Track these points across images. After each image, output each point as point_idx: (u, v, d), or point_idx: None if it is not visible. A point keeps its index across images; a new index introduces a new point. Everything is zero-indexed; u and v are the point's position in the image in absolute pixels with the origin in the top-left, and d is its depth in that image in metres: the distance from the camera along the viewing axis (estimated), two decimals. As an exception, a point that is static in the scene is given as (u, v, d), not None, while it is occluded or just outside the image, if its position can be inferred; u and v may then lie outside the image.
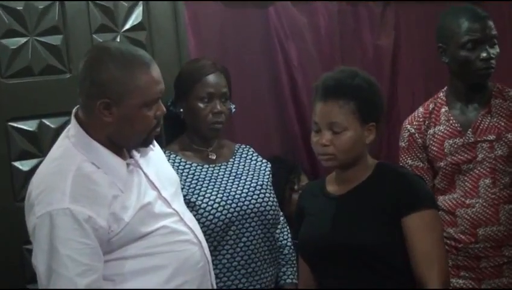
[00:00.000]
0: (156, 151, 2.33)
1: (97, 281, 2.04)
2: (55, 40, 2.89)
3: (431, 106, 2.91)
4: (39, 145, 2.85)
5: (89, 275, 2.02)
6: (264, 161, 2.87)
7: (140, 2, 3.03)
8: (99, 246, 2.05)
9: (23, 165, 2.83)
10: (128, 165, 2.17)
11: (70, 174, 2.05)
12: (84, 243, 2.02)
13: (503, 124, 2.80)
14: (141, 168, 2.21)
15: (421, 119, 2.90)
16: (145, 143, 2.21)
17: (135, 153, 2.22)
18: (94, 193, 2.06)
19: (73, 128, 2.15)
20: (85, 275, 2.01)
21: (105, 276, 2.08)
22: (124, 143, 2.17)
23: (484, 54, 2.73)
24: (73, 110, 2.18)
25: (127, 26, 3.01)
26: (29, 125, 2.85)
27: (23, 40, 2.83)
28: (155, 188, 2.21)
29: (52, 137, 2.79)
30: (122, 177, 2.13)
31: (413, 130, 2.90)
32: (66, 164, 2.08)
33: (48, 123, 2.87)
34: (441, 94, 2.92)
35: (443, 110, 2.88)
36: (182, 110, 2.76)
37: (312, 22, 3.41)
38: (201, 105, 2.71)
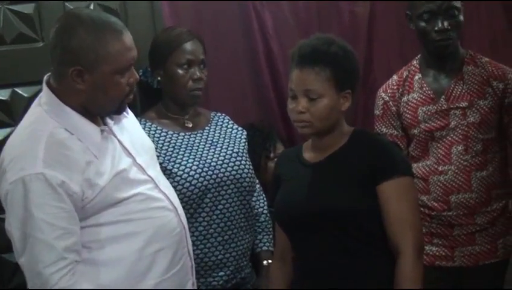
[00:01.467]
0: (129, 119, 2.32)
1: (76, 245, 2.04)
2: (27, 8, 2.87)
3: (405, 73, 2.92)
4: (11, 114, 2.85)
5: (67, 237, 2.02)
6: (239, 128, 2.87)
7: (114, -30, 3.01)
8: (75, 211, 2.05)
9: (-4, 134, 2.81)
10: (102, 131, 2.16)
11: (43, 140, 2.04)
12: (59, 207, 2.01)
13: (475, 90, 2.81)
14: (115, 135, 2.21)
15: (395, 87, 2.92)
16: (119, 110, 2.20)
17: (109, 121, 2.21)
18: (67, 158, 2.05)
19: (45, 95, 2.14)
20: (62, 238, 2.01)
21: (82, 243, 2.08)
22: (97, 110, 2.16)
23: (438, 26, 2.74)
24: (45, 78, 2.16)
25: None
26: (1, 94, 2.84)
27: None
28: (130, 155, 2.21)
29: (24, 106, 2.76)
30: (96, 143, 2.12)
31: (387, 98, 2.92)
32: (38, 129, 2.07)
33: (20, 92, 2.86)
34: (415, 62, 2.92)
35: (416, 77, 2.89)
36: (159, 78, 2.75)
37: (288, -13, 3.39)
38: (180, 72, 2.71)
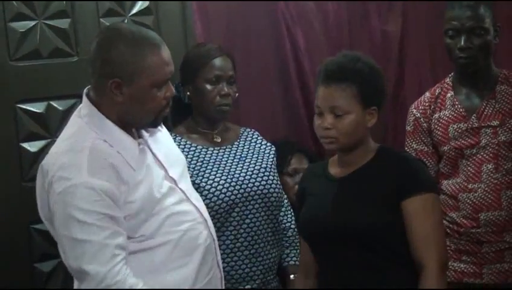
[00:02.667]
0: (163, 132, 2.37)
1: (124, 243, 2.09)
2: (63, 23, 2.92)
3: (437, 90, 2.93)
4: (47, 126, 2.89)
5: (116, 236, 2.07)
6: (268, 144, 2.90)
7: (148, -13, 3.06)
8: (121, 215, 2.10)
9: (31, 146, 2.87)
10: (139, 144, 2.20)
11: (86, 150, 2.09)
12: (105, 213, 2.06)
13: (507, 110, 2.80)
14: (150, 148, 2.25)
15: (426, 104, 2.92)
16: (155, 123, 2.24)
17: (144, 134, 2.26)
18: (110, 167, 2.10)
19: (85, 107, 2.19)
20: (113, 237, 2.06)
21: None
22: (134, 123, 2.20)
23: (460, 44, 2.75)
24: (85, 91, 2.21)
25: (134, 11, 3.05)
26: (37, 107, 2.88)
27: (31, 23, 2.86)
28: (163, 167, 2.24)
29: (59, 119, 2.84)
30: (134, 155, 2.17)
31: (418, 115, 2.92)
32: (80, 140, 2.12)
33: (55, 105, 2.90)
34: (448, 79, 2.93)
35: (449, 95, 2.89)
36: (188, 93, 2.79)
37: (320, 7, 3.41)
38: (209, 87, 2.75)
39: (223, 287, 2.36)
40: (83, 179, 2.05)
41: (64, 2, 2.90)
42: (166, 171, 2.24)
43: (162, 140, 2.34)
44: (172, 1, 3.11)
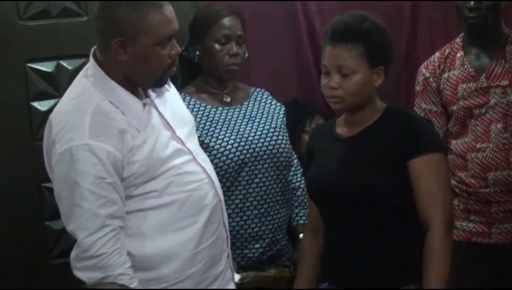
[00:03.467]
0: (171, 92, 2.37)
1: (119, 211, 2.12)
2: None
3: (447, 50, 2.93)
4: (57, 86, 2.91)
5: (109, 205, 2.09)
6: (278, 104, 2.90)
7: None
8: (119, 181, 2.13)
9: (41, 106, 2.90)
10: (144, 105, 2.22)
11: (89, 111, 2.11)
12: (103, 177, 2.08)
13: (517, 70, 2.81)
14: (157, 108, 2.26)
15: (436, 64, 2.93)
16: (160, 83, 2.25)
17: (151, 93, 2.27)
18: (113, 128, 2.12)
19: (91, 68, 2.20)
20: (105, 206, 2.09)
21: (126, 211, 2.16)
22: (139, 82, 2.21)
23: (470, 4, 2.75)
24: (92, 51, 2.22)
25: None
26: (47, 67, 2.90)
27: None
28: (170, 127, 2.25)
29: (69, 78, 2.81)
30: (139, 116, 2.18)
31: (428, 74, 2.93)
32: (84, 101, 2.14)
33: (65, 65, 2.92)
34: (458, 39, 2.93)
35: (458, 54, 2.89)
36: (197, 52, 2.80)
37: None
38: (217, 47, 2.75)
39: (229, 247, 2.39)
40: (84, 141, 2.07)
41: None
42: (173, 131, 2.26)
43: (170, 100, 2.35)
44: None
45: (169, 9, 2.17)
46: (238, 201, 2.70)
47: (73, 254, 2.12)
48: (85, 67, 2.24)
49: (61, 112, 2.17)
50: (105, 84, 2.17)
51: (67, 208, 2.10)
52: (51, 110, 2.77)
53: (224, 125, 2.74)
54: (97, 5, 2.17)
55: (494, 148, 2.81)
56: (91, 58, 2.21)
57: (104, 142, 2.08)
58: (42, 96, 2.89)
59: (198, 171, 2.27)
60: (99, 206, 2.07)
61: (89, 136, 2.07)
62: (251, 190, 2.72)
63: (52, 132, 2.14)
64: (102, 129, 2.10)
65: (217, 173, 2.41)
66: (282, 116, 2.88)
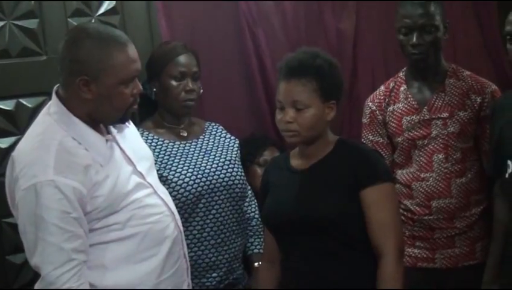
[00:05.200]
0: (130, 128, 2.43)
1: (83, 245, 2.15)
2: (31, 23, 2.94)
3: (391, 84, 3.04)
4: (16, 123, 2.92)
5: (75, 239, 2.12)
6: (232, 137, 2.99)
7: (114, -13, 3.09)
8: (83, 216, 2.15)
9: (2, 143, 2.90)
10: (107, 141, 2.26)
11: (53, 148, 2.13)
12: (68, 212, 2.11)
13: (455, 102, 2.93)
14: (118, 144, 2.31)
15: (381, 97, 3.03)
16: (123, 120, 2.30)
17: (112, 130, 2.31)
18: (77, 165, 2.14)
19: (54, 105, 2.23)
20: (71, 240, 2.11)
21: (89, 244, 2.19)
22: (102, 119, 2.25)
23: (413, 40, 2.86)
24: (54, 88, 2.25)
25: (101, 11, 3.08)
26: (7, 105, 2.91)
27: (0, 24, 2.88)
28: (131, 162, 2.30)
29: (29, 116, 2.87)
30: (102, 152, 2.22)
31: (374, 107, 3.03)
32: (48, 138, 2.16)
33: (24, 103, 2.94)
34: (401, 74, 3.05)
35: (402, 88, 3.01)
36: (154, 89, 2.86)
37: (278, 6, 3.48)
38: (174, 83, 2.83)
39: (189, 277, 2.43)
40: (49, 177, 2.09)
41: (33, 2, 2.93)
42: (134, 166, 2.30)
43: (130, 136, 2.40)
44: (137, 1, 3.16)
45: (132, 49, 2.22)
46: (195, 232, 2.76)
47: (37, 287, 2.14)
48: (47, 105, 2.27)
49: (24, 149, 2.19)
50: (69, 121, 2.20)
51: (32, 242, 2.11)
52: (11, 147, 2.84)
53: (181, 159, 2.81)
54: (62, 43, 2.20)
55: (437, 178, 2.92)
56: (54, 96, 2.24)
57: (69, 178, 2.11)
58: (2, 134, 2.90)
59: (159, 204, 2.32)
60: (64, 240, 2.10)
61: (53, 172, 2.10)
62: (208, 221, 2.78)
63: (15, 169, 2.15)
64: (67, 165, 2.12)
65: (176, 205, 2.47)
66: (236, 149, 2.97)
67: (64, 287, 2.09)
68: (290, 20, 3.50)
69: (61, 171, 2.11)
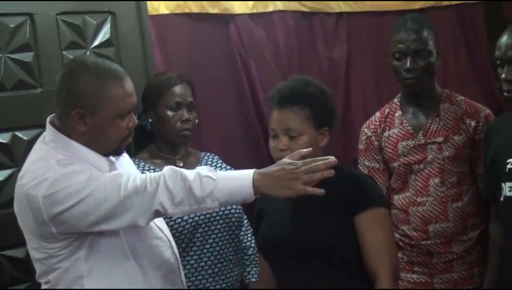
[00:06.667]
0: (125, 158, 2.44)
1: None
2: (26, 56, 2.95)
3: (386, 110, 3.07)
4: (12, 156, 2.92)
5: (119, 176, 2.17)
6: (228, 167, 2.99)
7: (108, 19, 3.12)
8: None
9: (-3, 175, 2.89)
10: (110, 163, 2.26)
11: (53, 162, 2.15)
12: (92, 175, 2.15)
13: (450, 126, 2.96)
14: (117, 169, 2.31)
15: (377, 123, 3.06)
16: (118, 152, 2.31)
17: (111, 158, 2.31)
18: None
19: (49, 134, 2.24)
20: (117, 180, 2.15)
21: (82, 269, 2.19)
22: (97, 151, 2.25)
23: (406, 65, 2.88)
24: (48, 119, 2.26)
25: (96, 43, 3.10)
26: (2, 138, 2.91)
27: None
28: None
29: (24, 148, 2.84)
30: (105, 171, 2.22)
31: (370, 133, 3.06)
32: (46, 160, 2.17)
33: (20, 135, 2.94)
34: (396, 100, 3.07)
35: (397, 114, 3.03)
36: (150, 120, 2.88)
37: (270, 36, 3.53)
38: (169, 113, 2.84)
39: None
40: (58, 172, 2.11)
41: (27, 35, 2.95)
42: None
43: (126, 164, 2.41)
44: (132, 33, 3.19)
45: (129, 83, 2.24)
46: (193, 261, 2.76)
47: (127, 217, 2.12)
48: (42, 135, 2.27)
49: (24, 176, 2.18)
50: (66, 146, 2.20)
51: (87, 206, 2.10)
52: (6, 179, 2.86)
53: (177, 189, 2.82)
54: (59, 76, 2.22)
55: (433, 202, 2.94)
56: (48, 125, 2.24)
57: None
58: (-2, 167, 2.90)
59: (156, 230, 2.32)
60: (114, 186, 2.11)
61: (60, 167, 2.12)
62: (205, 250, 2.77)
63: (23, 195, 2.14)
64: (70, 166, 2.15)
65: (172, 235, 2.47)
66: (232, 178, 2.98)
67: (143, 177, 2.12)
68: (282, 49, 3.55)
69: (67, 164, 2.14)
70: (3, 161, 2.92)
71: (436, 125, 2.97)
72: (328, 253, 2.34)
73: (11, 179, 2.81)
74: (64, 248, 2.18)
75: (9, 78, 2.93)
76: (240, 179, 2.12)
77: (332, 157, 2.14)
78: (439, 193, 2.94)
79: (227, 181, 2.11)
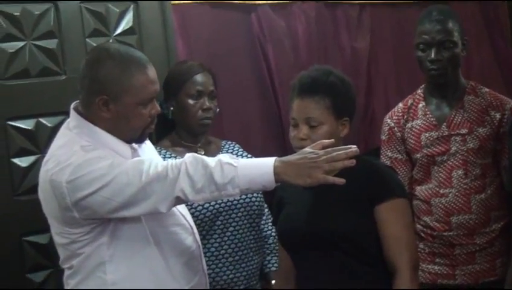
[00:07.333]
0: (148, 145, 2.46)
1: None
2: (50, 44, 2.99)
3: (410, 101, 3.05)
4: (36, 142, 2.95)
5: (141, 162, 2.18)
6: (249, 155, 3.00)
7: (131, 8, 3.14)
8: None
9: (22, 162, 2.93)
10: (132, 149, 2.28)
11: (77, 148, 2.17)
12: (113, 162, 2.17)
13: (474, 118, 2.94)
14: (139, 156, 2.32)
15: (400, 114, 3.04)
16: (140, 139, 2.32)
17: (134, 145, 2.32)
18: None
19: (73, 120, 2.26)
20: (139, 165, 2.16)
21: (105, 255, 2.21)
22: (120, 138, 2.27)
23: (431, 56, 2.87)
24: (72, 105, 2.28)
25: (119, 31, 3.12)
26: (27, 124, 2.95)
27: (20, 44, 2.93)
28: None
29: (48, 135, 2.89)
30: (128, 157, 2.24)
31: (392, 124, 3.04)
32: (70, 145, 2.19)
33: (44, 122, 2.97)
34: (419, 91, 3.05)
35: (420, 105, 3.01)
36: (171, 108, 2.89)
37: (290, 26, 3.54)
38: (191, 102, 2.86)
39: None
40: (82, 157, 2.13)
41: (52, 22, 2.98)
42: None
43: (148, 151, 2.43)
44: (154, 22, 3.20)
45: (152, 71, 2.25)
46: (213, 249, 2.78)
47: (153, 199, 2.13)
48: (66, 122, 2.29)
49: (48, 161, 2.20)
50: (90, 132, 2.22)
51: (110, 191, 2.11)
52: (31, 166, 2.90)
53: (198, 177, 2.83)
54: (83, 63, 2.24)
55: (456, 193, 2.92)
56: (72, 112, 2.27)
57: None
58: (22, 153, 2.93)
59: (178, 217, 2.34)
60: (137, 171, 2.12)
61: (84, 153, 2.15)
62: (226, 238, 2.79)
63: (49, 181, 2.16)
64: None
65: (193, 223, 2.47)
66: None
67: (165, 163, 2.13)
68: (301, 39, 3.56)
69: (90, 150, 2.16)
70: (28, 147, 2.96)
71: (460, 117, 2.95)
72: (346, 244, 2.34)
73: (35, 166, 2.84)
74: (87, 233, 2.20)
75: (33, 65, 2.97)
76: (261, 167, 2.12)
77: (354, 146, 2.14)
78: (462, 185, 2.93)
79: (248, 168, 2.12)
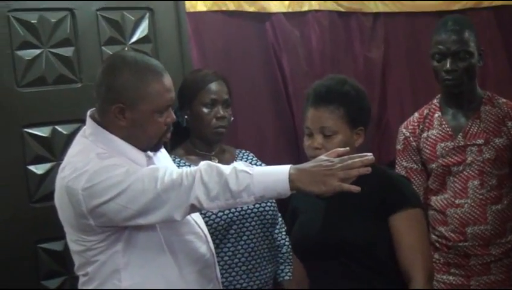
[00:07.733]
0: (163, 153, 2.45)
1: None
2: (67, 51, 3.01)
3: (425, 111, 3.04)
4: (52, 150, 2.97)
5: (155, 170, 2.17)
6: (263, 164, 2.97)
7: (147, 16, 3.17)
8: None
9: (38, 169, 2.95)
10: (147, 158, 2.28)
11: (93, 155, 2.17)
12: (129, 169, 2.16)
13: (491, 129, 2.92)
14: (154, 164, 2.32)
15: (415, 124, 3.03)
16: (156, 148, 2.32)
17: (148, 153, 2.32)
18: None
19: (89, 127, 2.25)
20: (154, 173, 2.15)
21: (118, 263, 2.20)
22: (136, 146, 2.27)
23: (446, 67, 2.85)
24: (88, 113, 2.29)
25: (134, 39, 3.15)
26: (43, 132, 2.97)
27: (37, 51, 2.95)
28: None
29: (64, 142, 2.92)
30: (144, 166, 2.23)
31: (408, 134, 3.03)
32: (86, 153, 2.19)
33: (60, 129, 2.99)
34: (435, 100, 3.04)
35: (436, 115, 3.00)
36: (186, 117, 2.90)
37: (303, 35, 3.54)
38: (205, 110, 2.86)
39: None
40: (97, 165, 2.12)
41: (68, 30, 3.00)
42: None
43: (163, 159, 2.43)
44: (169, 29, 3.22)
45: (168, 79, 2.25)
46: (227, 258, 2.78)
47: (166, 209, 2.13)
48: (82, 129, 2.30)
49: (64, 168, 2.20)
50: (106, 140, 2.22)
51: (125, 199, 2.10)
52: (47, 173, 2.92)
53: (212, 185, 2.83)
54: (99, 71, 2.24)
55: (472, 204, 2.90)
56: (88, 119, 2.27)
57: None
58: (38, 160, 2.95)
59: (193, 225, 2.33)
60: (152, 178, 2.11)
61: (99, 160, 2.14)
62: (239, 247, 2.79)
63: (65, 189, 2.16)
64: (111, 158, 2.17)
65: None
66: (267, 175, 2.98)
67: (179, 171, 2.13)
68: (315, 48, 3.56)
69: (105, 158, 2.15)
70: (44, 155, 2.98)
71: (476, 128, 2.94)
72: (361, 254, 2.33)
73: (51, 173, 2.86)
74: (102, 241, 2.20)
75: (50, 72, 2.99)
76: (276, 174, 2.11)
77: (370, 154, 2.13)
78: (478, 195, 2.91)
79: (263, 176, 2.11)
